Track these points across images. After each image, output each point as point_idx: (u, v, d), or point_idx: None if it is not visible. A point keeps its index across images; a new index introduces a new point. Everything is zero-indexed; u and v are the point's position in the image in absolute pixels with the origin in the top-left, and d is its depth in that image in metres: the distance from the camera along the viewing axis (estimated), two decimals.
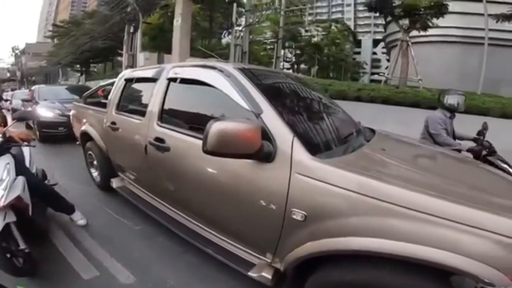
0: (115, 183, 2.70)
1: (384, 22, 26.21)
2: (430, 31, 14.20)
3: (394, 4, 13.07)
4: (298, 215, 1.21)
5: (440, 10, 12.51)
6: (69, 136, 4.40)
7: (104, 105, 2.89)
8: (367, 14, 43.21)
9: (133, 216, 2.51)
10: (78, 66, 31.05)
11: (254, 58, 22.52)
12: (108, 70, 29.70)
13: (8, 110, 8.72)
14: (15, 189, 1.66)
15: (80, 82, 25.89)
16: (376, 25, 50.18)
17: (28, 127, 6.02)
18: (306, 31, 34.24)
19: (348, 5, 58.01)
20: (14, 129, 2.14)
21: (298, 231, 1.24)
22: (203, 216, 1.80)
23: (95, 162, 3.06)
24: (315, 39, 34.60)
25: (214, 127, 1.18)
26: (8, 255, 1.63)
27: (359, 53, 51.56)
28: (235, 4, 15.19)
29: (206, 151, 1.21)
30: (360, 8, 46.82)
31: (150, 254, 2.03)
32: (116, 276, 1.80)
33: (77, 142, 3.44)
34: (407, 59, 13.99)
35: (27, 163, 2.20)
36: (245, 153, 1.23)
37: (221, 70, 1.68)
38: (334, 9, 60.11)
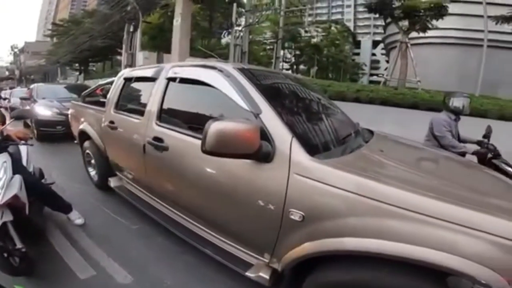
0: (113, 182, 2.70)
1: (383, 24, 26.28)
2: (430, 33, 14.20)
3: (394, 6, 13.10)
4: (296, 215, 1.21)
5: (440, 11, 12.53)
6: (67, 135, 4.40)
7: (102, 104, 2.88)
8: (367, 15, 43.40)
9: (131, 216, 2.51)
10: (77, 65, 31.00)
11: (253, 58, 22.52)
12: (107, 69, 29.65)
13: (6, 108, 8.69)
14: (12, 188, 1.65)
15: (79, 81, 25.79)
16: (376, 26, 50.31)
17: (26, 125, 5.99)
18: (306, 31, 34.31)
19: (348, 6, 58.14)
20: (12, 127, 2.13)
21: (296, 231, 1.24)
22: (201, 216, 1.80)
23: (93, 161, 3.05)
24: (314, 40, 34.60)
25: (213, 127, 1.17)
26: (5, 255, 1.62)
27: (358, 54, 51.65)
28: (235, 4, 15.17)
29: (204, 151, 1.21)
30: (360, 9, 46.91)
31: (147, 253, 2.02)
32: (113, 275, 1.80)
33: (75, 141, 3.43)
34: (406, 60, 14.01)
35: (24, 162, 2.19)
36: (243, 153, 1.23)
37: (220, 70, 1.68)
38: (334, 10, 60.20)
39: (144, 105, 2.12)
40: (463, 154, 2.67)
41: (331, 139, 1.64)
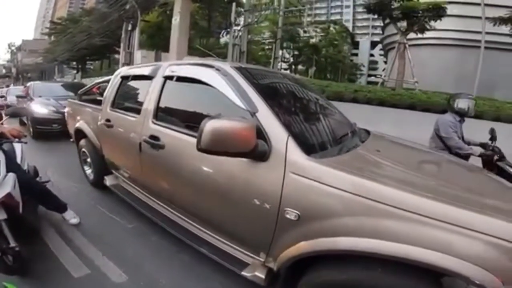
0: (108, 181, 2.68)
1: (382, 24, 26.38)
2: (428, 34, 14.27)
3: (392, 6, 13.14)
4: (291, 214, 1.20)
5: (438, 12, 12.61)
6: (63, 133, 4.37)
7: (99, 103, 2.86)
8: (365, 16, 43.54)
9: (126, 215, 2.49)
10: (74, 63, 30.79)
11: (252, 58, 22.48)
12: (104, 68, 29.49)
13: (2, 106, 8.62)
14: (5, 186, 1.63)
15: (76, 79, 25.64)
16: (374, 27, 50.54)
17: (22, 123, 5.95)
18: (305, 32, 34.35)
19: (347, 6, 58.29)
20: (7, 125, 2.11)
21: (291, 230, 1.23)
22: (197, 215, 1.79)
23: (88, 160, 3.02)
24: (313, 40, 34.64)
25: (209, 125, 1.17)
26: None
27: (356, 54, 51.83)
28: (234, 4, 15.12)
29: (200, 149, 1.20)
30: (359, 9, 47.10)
31: (143, 252, 2.01)
32: (107, 274, 1.78)
33: (71, 139, 3.41)
34: (404, 61, 14.07)
35: (18, 160, 2.16)
36: (239, 152, 1.22)
37: (217, 69, 1.67)
38: (333, 11, 60.35)
39: (141, 103, 2.11)
40: (467, 156, 2.65)
41: (328, 138, 1.64)
